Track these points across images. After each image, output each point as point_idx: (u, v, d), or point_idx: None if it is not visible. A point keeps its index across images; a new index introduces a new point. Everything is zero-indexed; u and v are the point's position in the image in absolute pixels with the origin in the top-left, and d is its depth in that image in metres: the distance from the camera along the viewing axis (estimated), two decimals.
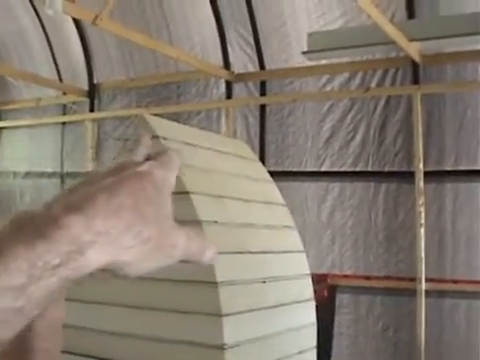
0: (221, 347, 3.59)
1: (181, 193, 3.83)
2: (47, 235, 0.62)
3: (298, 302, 4.56)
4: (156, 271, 0.71)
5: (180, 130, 4.60)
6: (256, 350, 3.97)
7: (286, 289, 4.46)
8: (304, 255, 4.88)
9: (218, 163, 4.54)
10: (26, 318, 0.62)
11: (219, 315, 3.62)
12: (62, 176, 9.86)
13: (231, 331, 3.68)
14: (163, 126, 4.29)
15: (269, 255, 4.39)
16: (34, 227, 0.62)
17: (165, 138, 4.12)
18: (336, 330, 7.34)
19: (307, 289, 4.77)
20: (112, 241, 0.65)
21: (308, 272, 4.85)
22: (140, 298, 3.92)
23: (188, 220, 3.79)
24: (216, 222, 3.90)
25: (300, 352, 4.51)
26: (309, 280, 4.83)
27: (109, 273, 0.68)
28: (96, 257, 0.64)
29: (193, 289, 3.71)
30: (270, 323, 4.17)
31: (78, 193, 0.67)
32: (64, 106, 9.96)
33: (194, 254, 0.74)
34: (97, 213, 0.64)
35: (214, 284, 3.63)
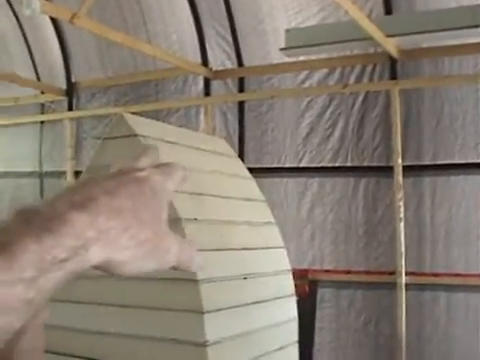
0: (203, 344, 3.61)
1: None
2: (54, 229, 0.63)
3: (279, 298, 4.58)
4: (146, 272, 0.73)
5: (159, 128, 4.61)
6: (238, 346, 3.98)
7: (267, 285, 4.48)
8: (284, 251, 4.90)
9: (197, 161, 4.55)
10: (35, 309, 0.64)
11: (201, 312, 3.64)
12: (41, 175, 9.82)
13: (213, 328, 3.70)
14: (142, 124, 4.30)
15: (249, 251, 4.41)
16: (41, 222, 0.64)
17: (144, 136, 4.13)
18: (318, 325, 7.37)
19: (288, 285, 4.80)
20: (111, 240, 0.67)
21: (289, 268, 4.87)
22: (122, 297, 3.92)
23: (168, 218, 3.80)
24: (196, 219, 3.92)
25: (282, 347, 4.53)
26: (290, 276, 4.85)
27: (104, 271, 0.70)
28: (97, 254, 0.66)
29: (174, 287, 3.72)
30: (251, 319, 4.19)
31: (80, 193, 0.69)
32: (42, 105, 9.92)
33: (185, 261, 0.77)
34: (99, 212, 0.67)
35: (195, 281, 3.65)
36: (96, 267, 0.68)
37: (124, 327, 3.89)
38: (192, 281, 3.65)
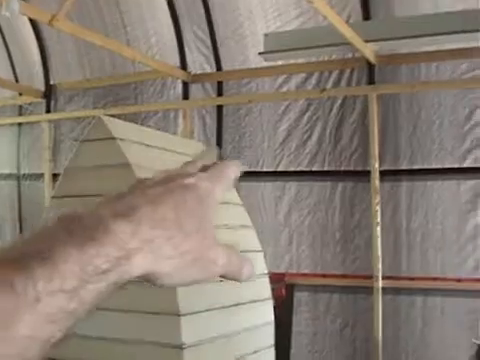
0: (180, 346, 3.62)
1: None
2: (97, 239, 0.62)
3: (255, 301, 4.60)
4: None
5: (137, 131, 4.61)
6: (214, 349, 3.99)
7: (243, 288, 4.48)
8: (262, 254, 4.92)
9: (175, 164, 4.54)
10: (76, 319, 0.63)
11: (177, 315, 3.64)
12: (19, 178, 9.78)
13: (189, 331, 3.71)
14: (120, 127, 4.30)
15: None
16: (83, 231, 0.63)
17: (122, 139, 4.13)
18: (294, 329, 7.38)
19: (264, 288, 4.81)
20: (154, 250, 0.66)
21: (266, 271, 4.89)
22: None
23: None
24: None
25: (256, 351, 4.54)
26: (267, 279, 4.87)
27: (146, 281, 0.68)
28: (140, 264, 0.65)
29: (151, 289, 3.71)
30: (228, 322, 4.20)
31: (125, 201, 0.68)
32: (20, 107, 9.86)
33: (233, 271, 0.75)
34: (143, 222, 0.66)
35: None
36: (138, 277, 0.67)
37: (101, 330, 3.88)
38: None
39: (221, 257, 0.73)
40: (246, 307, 4.45)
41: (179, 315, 3.64)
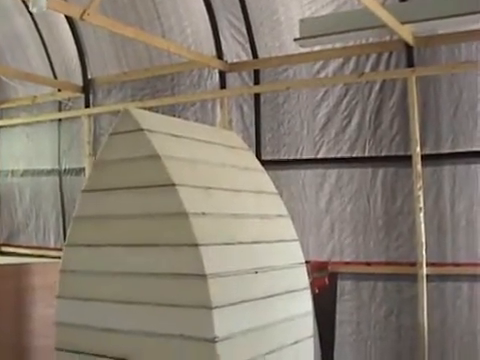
0: (212, 340, 3.56)
1: (167, 185, 3.78)
2: None
3: (292, 291, 4.52)
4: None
5: (165, 122, 4.55)
6: (249, 341, 3.93)
7: (279, 279, 4.42)
8: (298, 243, 4.84)
9: (205, 154, 4.49)
10: None
11: (209, 307, 3.59)
12: (60, 173, 9.86)
13: (222, 323, 3.64)
14: (148, 119, 4.25)
15: (261, 245, 4.35)
16: None
17: (150, 130, 4.08)
18: (338, 318, 7.29)
19: (301, 278, 4.73)
20: None
21: (302, 261, 4.81)
22: (130, 293, 3.88)
23: (174, 212, 3.75)
24: (203, 213, 3.86)
25: (296, 342, 4.48)
26: (303, 269, 4.79)
27: None
28: None
29: (182, 282, 3.67)
30: (263, 314, 4.13)
31: None
32: (59, 103, 9.95)
33: None
34: None
35: (203, 276, 3.60)
36: None
37: (133, 324, 3.84)
38: (200, 276, 3.60)
39: None
40: (282, 297, 4.38)
41: (211, 308, 3.58)
